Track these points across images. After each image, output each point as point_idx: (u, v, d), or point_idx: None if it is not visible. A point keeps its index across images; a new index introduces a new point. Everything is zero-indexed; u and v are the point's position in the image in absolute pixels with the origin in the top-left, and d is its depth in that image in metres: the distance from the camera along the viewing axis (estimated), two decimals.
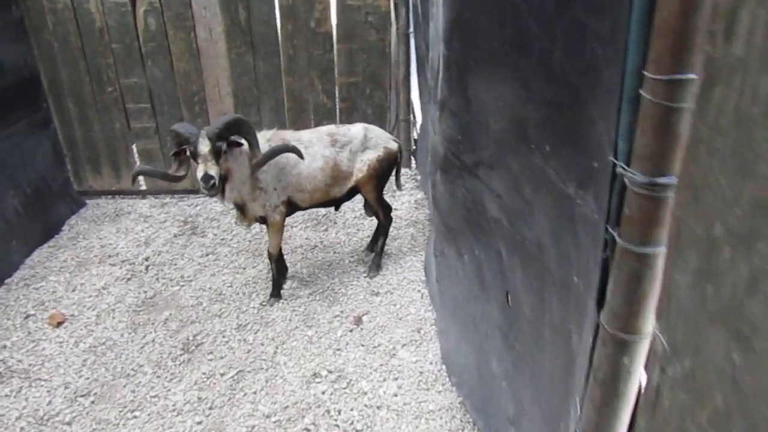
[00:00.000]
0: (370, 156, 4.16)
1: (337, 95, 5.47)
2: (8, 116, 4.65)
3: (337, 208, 4.54)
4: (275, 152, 3.63)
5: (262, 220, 4.04)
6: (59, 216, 5.26)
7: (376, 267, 4.50)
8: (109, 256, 4.81)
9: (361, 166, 4.15)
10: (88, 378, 3.56)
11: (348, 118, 5.52)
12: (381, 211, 4.43)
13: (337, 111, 5.54)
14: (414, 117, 5.71)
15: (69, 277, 4.53)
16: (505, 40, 1.91)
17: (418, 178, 5.70)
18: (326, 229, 5.15)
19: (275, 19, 5.12)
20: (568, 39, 1.50)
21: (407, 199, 5.45)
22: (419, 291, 4.27)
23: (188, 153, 3.48)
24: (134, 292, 4.35)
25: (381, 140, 4.23)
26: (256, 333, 3.93)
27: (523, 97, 1.85)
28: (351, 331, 3.91)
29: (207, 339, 3.88)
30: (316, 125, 5.47)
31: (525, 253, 2.16)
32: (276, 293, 4.24)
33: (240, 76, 5.34)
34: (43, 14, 5.03)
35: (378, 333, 3.88)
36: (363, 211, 5.25)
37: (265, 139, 3.84)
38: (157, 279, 4.51)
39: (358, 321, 4.00)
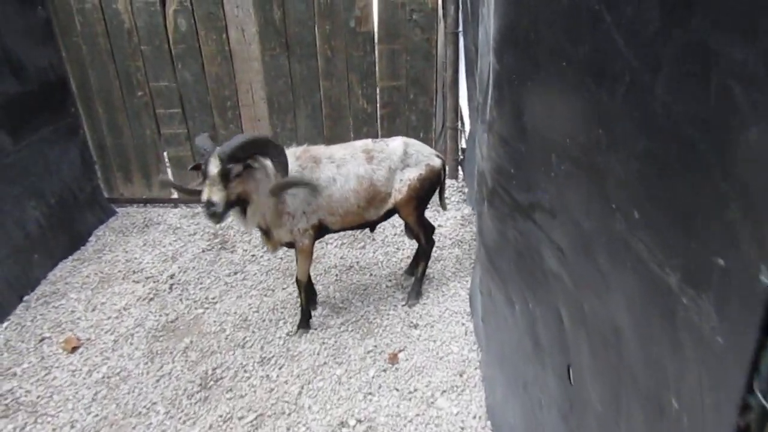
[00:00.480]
0: (411, 175, 3.68)
1: (378, 100, 5.04)
2: (31, 123, 4.42)
3: (372, 230, 4.08)
4: (290, 184, 3.25)
5: (289, 245, 3.65)
6: (86, 226, 5.04)
7: (415, 295, 4.05)
8: (134, 272, 4.54)
9: (401, 186, 3.67)
10: (96, 416, 3.27)
11: (390, 125, 5.08)
12: (422, 233, 3.95)
13: (378, 117, 5.10)
14: (462, 124, 5.22)
15: (90, 295, 4.27)
16: (577, 60, 1.43)
17: (466, 191, 5.21)
18: (363, 247, 4.73)
19: (313, 18, 4.72)
20: (680, 69, 1.02)
21: (453, 214, 4.98)
22: (463, 324, 3.80)
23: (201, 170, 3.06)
24: (155, 314, 4.05)
25: (423, 156, 3.74)
26: (280, 368, 3.56)
27: (601, 141, 1.37)
28: (385, 371, 3.49)
29: (227, 373, 3.53)
30: (356, 133, 5.07)
31: (594, 330, 1.68)
32: (304, 324, 3.84)
33: (274, 80, 4.97)
34: (71, 15, 4.79)
35: (415, 375, 3.44)
36: (402, 228, 4.83)
37: (294, 156, 3.44)
38: (181, 300, 4.20)
39: (394, 359, 3.57)
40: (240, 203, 3.14)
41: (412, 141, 3.81)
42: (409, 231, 4.04)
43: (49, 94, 4.63)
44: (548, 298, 2.08)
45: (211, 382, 3.48)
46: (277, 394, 3.37)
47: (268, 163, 3.20)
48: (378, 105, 5.06)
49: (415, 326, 3.83)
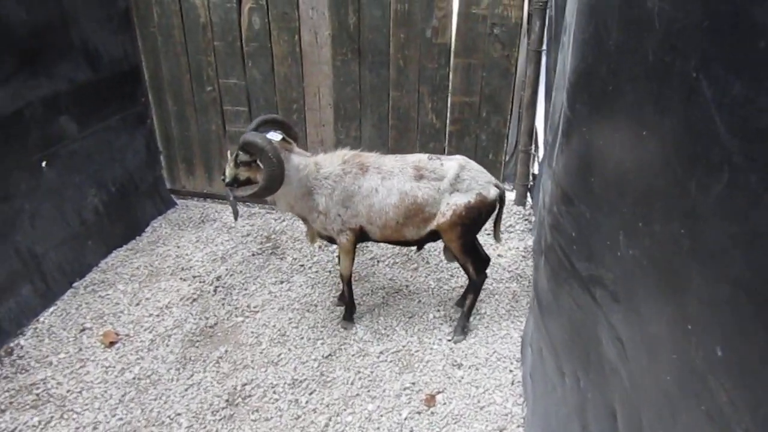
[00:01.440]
0: (459, 201, 3.43)
1: (448, 116, 4.77)
2: (100, 111, 4.45)
3: (419, 249, 3.91)
4: (233, 201, 3.66)
5: (329, 240, 3.73)
6: (145, 216, 5.06)
7: (461, 330, 3.78)
8: (182, 269, 4.50)
9: (446, 210, 3.44)
10: (120, 419, 3.21)
11: (458, 142, 4.81)
12: (469, 264, 3.66)
13: (447, 134, 4.83)
14: (536, 148, 4.86)
15: (137, 288, 4.26)
16: (662, 133, 1.13)
17: (533, 219, 4.86)
18: (416, 269, 4.49)
19: (388, 25, 4.51)
20: None
21: (515, 244, 4.64)
22: (511, 372, 3.50)
23: None
24: (195, 317, 3.97)
25: (477, 184, 3.47)
26: (311, 394, 3.38)
27: (682, 243, 1.08)
28: (419, 413, 3.25)
29: (256, 392, 3.40)
30: (421, 147, 4.84)
31: None
32: (349, 317, 3.90)
33: (343, 86, 4.80)
34: (149, 5, 4.79)
35: (451, 423, 3.18)
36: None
37: (342, 159, 3.49)
38: (223, 305, 4.11)
39: (431, 401, 3.32)
40: (235, 182, 3.51)
41: (471, 165, 3.55)
42: (448, 254, 3.78)
43: (120, 82, 4.66)
44: (603, 388, 1.78)
45: (239, 399, 3.35)
46: (304, 422, 3.20)
47: (294, 158, 3.42)
48: (447, 120, 4.79)
49: (459, 366, 3.56)
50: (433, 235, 3.59)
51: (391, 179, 3.45)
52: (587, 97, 1.57)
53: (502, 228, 4.80)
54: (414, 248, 4.06)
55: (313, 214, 3.53)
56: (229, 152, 3.58)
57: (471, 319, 3.87)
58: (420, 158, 3.54)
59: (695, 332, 1.10)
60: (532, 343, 2.91)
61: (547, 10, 4.22)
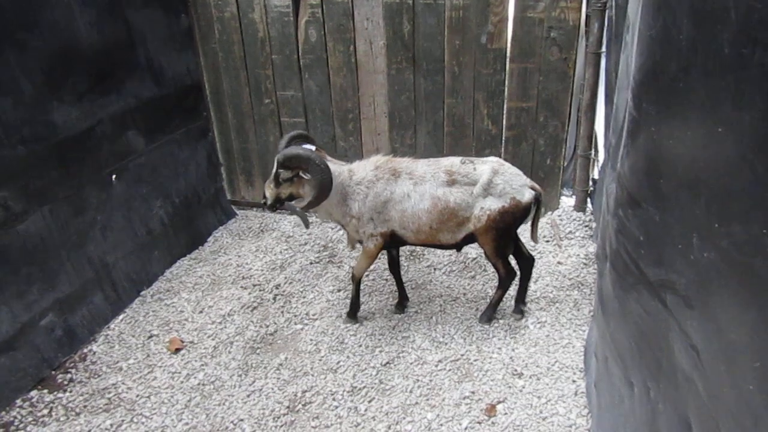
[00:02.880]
0: (492, 205, 3.43)
1: (504, 122, 4.71)
2: (165, 125, 4.63)
3: (458, 250, 3.97)
4: (292, 210, 3.90)
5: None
6: (206, 227, 5.22)
7: (486, 318, 3.94)
8: (243, 278, 4.60)
9: (480, 215, 3.46)
10: (186, 424, 3.30)
11: (515, 148, 4.74)
12: (500, 265, 3.72)
13: (503, 140, 4.77)
14: (596, 152, 4.74)
15: (200, 296, 4.39)
16: (740, 128, 1.08)
17: (593, 225, 4.73)
18: (473, 277, 4.44)
19: (443, 33, 4.50)
20: None
21: (575, 251, 4.52)
22: (574, 382, 3.40)
23: None
24: (256, 324, 4.05)
25: (511, 188, 3.44)
26: (370, 402, 3.39)
27: (765, 243, 1.02)
28: (480, 423, 3.19)
29: (316, 398, 3.43)
30: (477, 153, 4.80)
31: None
32: (352, 315, 4.02)
33: (398, 95, 4.82)
34: (211, 23, 4.96)
35: None
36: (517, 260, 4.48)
37: (374, 165, 3.57)
38: (282, 312, 4.18)
39: (491, 411, 3.27)
40: (277, 202, 3.59)
41: (505, 168, 3.51)
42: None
43: (184, 97, 4.83)
44: (676, 398, 1.71)
45: (299, 406, 3.39)
46: (363, 430, 3.21)
47: (330, 165, 3.43)
48: (504, 126, 4.73)
49: (520, 375, 3.49)
50: (471, 238, 3.61)
51: (423, 184, 3.48)
52: (655, 96, 1.52)
53: (562, 235, 4.70)
54: (454, 251, 4.21)
55: (346, 218, 3.62)
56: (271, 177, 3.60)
57: (524, 322, 3.79)
58: (453, 162, 3.54)
59: None
60: (596, 352, 2.82)
61: (607, 11, 4.12)
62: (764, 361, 1.16)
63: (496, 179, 3.42)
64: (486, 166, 3.47)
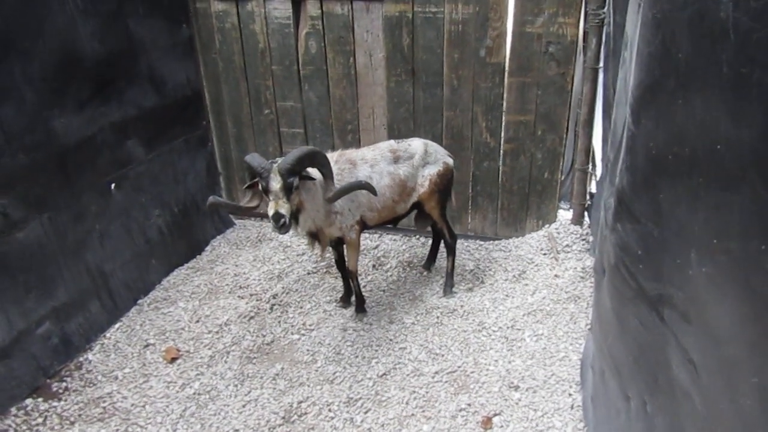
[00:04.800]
0: (431, 171, 4.09)
1: (502, 135, 4.74)
2: (164, 134, 4.64)
3: (394, 225, 4.37)
4: (349, 189, 3.49)
5: (338, 242, 3.96)
6: (204, 236, 5.22)
7: (450, 289, 4.40)
8: (240, 287, 4.60)
9: (423, 182, 4.08)
10: None
11: (513, 161, 4.77)
12: (446, 228, 4.32)
13: (501, 152, 4.80)
14: (593, 167, 4.77)
15: (197, 306, 4.38)
16: (738, 146, 1.10)
17: (590, 239, 4.75)
18: (470, 290, 4.45)
19: (442, 46, 4.54)
20: None
21: (572, 264, 4.54)
22: (570, 395, 3.40)
23: (260, 187, 3.29)
24: (253, 334, 4.05)
25: (440, 155, 4.16)
26: (366, 413, 3.38)
27: (763, 258, 1.04)
28: None
29: (312, 409, 3.42)
30: (476, 166, 4.83)
31: None
32: (361, 309, 4.19)
33: (397, 107, 4.85)
34: (212, 33, 5.00)
35: None
36: (514, 274, 4.51)
37: (333, 161, 3.64)
38: (279, 322, 4.18)
39: (487, 424, 3.26)
40: (293, 216, 3.36)
41: (429, 142, 4.21)
42: (421, 223, 4.37)
43: (184, 107, 4.85)
44: (673, 413, 1.71)
45: (295, 417, 3.38)
46: None
47: (315, 172, 3.46)
48: (502, 139, 4.76)
49: (516, 388, 3.48)
50: (413, 208, 4.18)
51: (379, 165, 3.90)
52: (654, 111, 1.54)
53: (559, 248, 4.72)
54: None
55: (331, 217, 3.71)
56: (273, 195, 3.23)
57: (521, 334, 3.79)
58: (390, 144, 4.09)
59: None
60: (593, 366, 2.83)
61: (605, 27, 4.16)
62: (762, 376, 1.17)
63: (429, 149, 4.10)
64: (417, 142, 4.11)
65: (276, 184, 3.17)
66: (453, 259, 4.41)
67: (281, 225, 3.20)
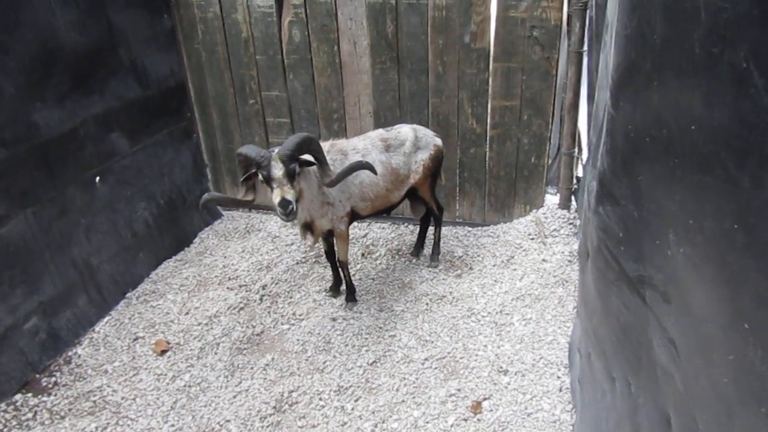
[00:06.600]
0: (423, 156, 4.13)
1: (488, 121, 4.74)
2: (148, 126, 4.60)
3: (388, 214, 4.43)
4: (349, 171, 3.48)
5: (329, 233, 3.96)
6: (192, 228, 5.20)
7: (436, 258, 4.59)
8: (229, 278, 4.59)
9: (416, 167, 4.12)
10: (172, 426, 3.29)
11: (500, 146, 4.77)
12: (435, 205, 4.44)
13: (488, 138, 4.80)
14: (579, 150, 4.78)
15: (186, 298, 4.37)
16: (711, 127, 1.11)
17: (577, 223, 4.77)
18: (459, 276, 4.47)
19: (426, 32, 4.52)
20: None
21: (560, 249, 4.56)
22: (558, 378, 3.43)
23: (261, 178, 3.27)
24: (243, 325, 4.05)
25: (429, 138, 4.19)
26: (356, 401, 3.40)
27: (735, 238, 1.05)
28: (466, 420, 3.22)
29: (303, 398, 3.43)
30: (462, 153, 4.83)
31: None
32: (351, 298, 4.19)
33: (382, 94, 4.83)
34: (194, 24, 4.95)
35: (498, 430, 3.14)
36: (502, 259, 4.52)
37: (324, 151, 3.58)
38: (269, 313, 4.18)
39: (477, 408, 3.29)
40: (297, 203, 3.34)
41: (418, 126, 4.23)
42: (417, 210, 4.50)
43: (167, 99, 4.81)
44: (655, 393, 1.74)
45: (286, 406, 3.39)
46: (350, 429, 3.22)
47: (310, 158, 3.42)
48: (488, 125, 4.75)
49: (505, 372, 3.51)
50: (407, 194, 4.23)
51: (370, 154, 3.88)
52: (631, 94, 1.54)
53: (546, 232, 4.74)
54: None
55: (324, 208, 3.71)
56: (277, 182, 3.20)
57: (509, 319, 3.82)
58: (380, 132, 4.09)
59: (752, 331, 1.06)
60: (580, 348, 2.85)
61: (588, 11, 4.16)
62: (737, 354, 1.18)
63: (418, 134, 4.13)
64: (406, 128, 4.13)
65: (278, 171, 3.18)
66: (440, 230, 4.62)
67: (289, 211, 3.19)
